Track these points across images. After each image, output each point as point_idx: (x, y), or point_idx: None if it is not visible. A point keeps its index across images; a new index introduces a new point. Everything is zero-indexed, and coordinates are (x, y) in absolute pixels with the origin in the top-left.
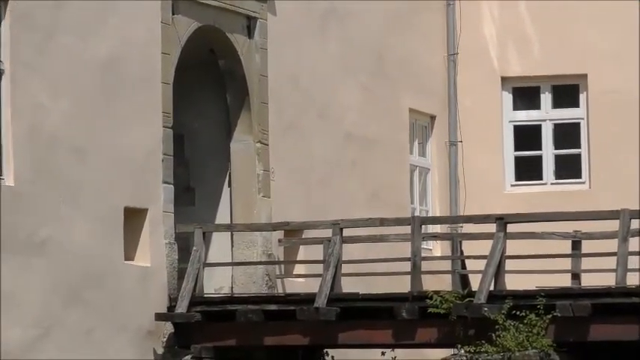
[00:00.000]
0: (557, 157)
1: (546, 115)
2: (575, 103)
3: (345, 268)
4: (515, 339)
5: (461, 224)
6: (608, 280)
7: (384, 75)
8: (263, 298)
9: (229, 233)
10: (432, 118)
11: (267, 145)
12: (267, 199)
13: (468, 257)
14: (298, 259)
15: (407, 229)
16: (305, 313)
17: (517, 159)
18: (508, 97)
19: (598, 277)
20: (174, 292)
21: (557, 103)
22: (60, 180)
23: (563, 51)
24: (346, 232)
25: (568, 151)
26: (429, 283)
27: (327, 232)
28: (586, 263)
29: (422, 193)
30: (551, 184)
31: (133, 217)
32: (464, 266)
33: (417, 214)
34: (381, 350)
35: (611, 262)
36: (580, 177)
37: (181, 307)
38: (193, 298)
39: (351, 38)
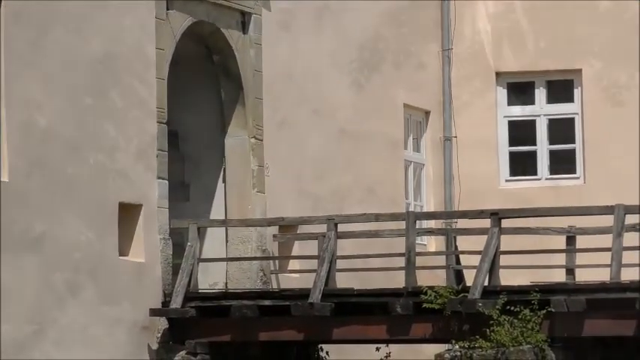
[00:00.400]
0: (552, 153)
1: (541, 110)
2: (569, 99)
3: (340, 264)
4: (510, 334)
5: (455, 219)
6: (603, 276)
7: (379, 70)
8: (257, 294)
9: (224, 229)
10: (427, 113)
11: (262, 140)
12: (262, 194)
13: (463, 252)
14: (293, 254)
15: (401, 225)
16: (299, 308)
17: (512, 154)
18: (502, 93)
19: (592, 272)
20: (168, 288)
21: (552, 99)
22: (54, 176)
23: (557, 46)
24: (341, 228)
25: (562, 147)
26: (424, 279)
27: (322, 228)
28: (580, 258)
29: (416, 188)
30: (546, 179)
31: (128, 213)
32: (458, 261)
33: (411, 209)
34: (375, 346)
35: (606, 258)
36: (574, 172)
37: (176, 303)
38: (188, 294)
39: (345, 33)
